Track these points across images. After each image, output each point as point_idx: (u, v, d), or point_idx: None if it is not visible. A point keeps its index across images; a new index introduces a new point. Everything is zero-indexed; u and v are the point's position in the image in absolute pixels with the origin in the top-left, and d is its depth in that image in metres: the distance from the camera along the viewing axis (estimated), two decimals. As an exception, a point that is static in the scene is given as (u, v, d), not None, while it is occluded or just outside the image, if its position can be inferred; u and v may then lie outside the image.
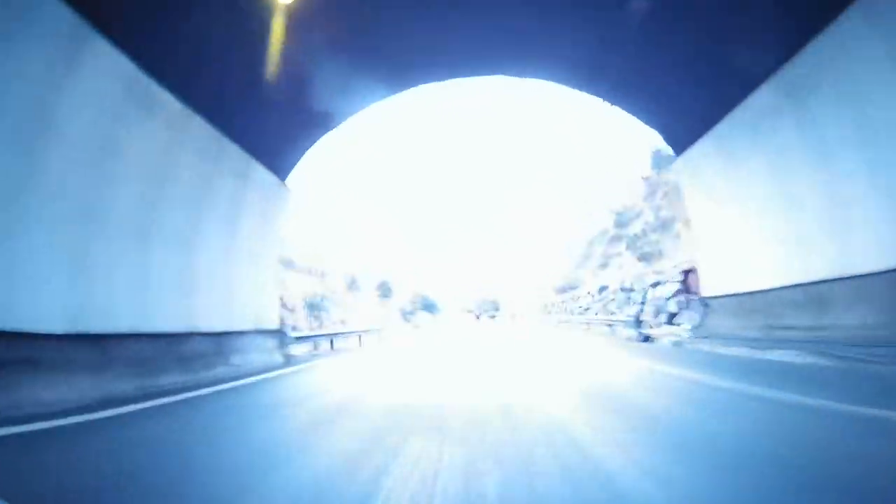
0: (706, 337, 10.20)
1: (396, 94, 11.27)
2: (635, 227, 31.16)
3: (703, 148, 10.44)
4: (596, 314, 25.24)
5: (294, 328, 18.82)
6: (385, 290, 40.65)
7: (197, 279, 8.17)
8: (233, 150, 9.01)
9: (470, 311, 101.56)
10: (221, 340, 8.49)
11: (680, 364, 7.01)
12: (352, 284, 33.57)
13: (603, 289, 25.50)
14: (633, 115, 11.69)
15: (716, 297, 10.40)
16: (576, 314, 29.10)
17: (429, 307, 47.76)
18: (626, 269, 27.52)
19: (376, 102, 11.38)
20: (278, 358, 9.64)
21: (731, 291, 9.99)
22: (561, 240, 46.16)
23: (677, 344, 10.20)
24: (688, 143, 10.89)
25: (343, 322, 24.91)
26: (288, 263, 26.29)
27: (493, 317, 48.66)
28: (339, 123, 11.31)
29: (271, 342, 9.60)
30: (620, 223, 34.78)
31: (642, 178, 34.99)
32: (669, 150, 33.41)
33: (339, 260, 35.14)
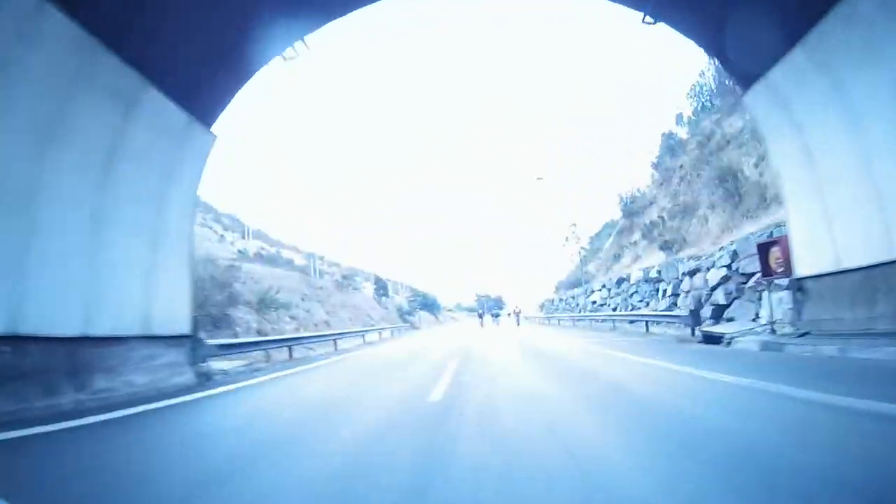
0: (808, 334, 7.04)
1: (359, 10, 8.16)
2: (650, 215, 28.18)
3: (791, 66, 7.26)
4: (615, 310, 22.06)
5: (263, 332, 15.70)
6: (381, 288, 37.52)
7: (27, 255, 5.03)
8: (111, 64, 5.87)
9: (472, 311, 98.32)
10: (77, 351, 5.36)
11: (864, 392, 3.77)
12: (343, 281, 30.44)
13: (622, 281, 22.29)
14: (684, 32, 8.52)
15: (817, 277, 7.25)
16: (588, 311, 25.92)
17: (428, 306, 44.56)
18: (646, 259, 24.42)
19: (331, 22, 8.26)
20: (186, 377, 6.48)
21: (844, 266, 6.85)
22: (565, 232, 43.45)
23: (772, 347, 6.97)
24: (765, 64, 7.72)
25: (327, 324, 21.76)
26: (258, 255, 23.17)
27: (496, 315, 44.94)
28: (283, 48, 8.18)
29: (174, 354, 6.43)
30: (631, 212, 31.82)
31: (652, 163, 31.99)
32: (682, 133, 29.74)
33: (330, 253, 32.14)
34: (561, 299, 36.92)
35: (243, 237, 60.18)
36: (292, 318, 19.64)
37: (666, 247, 21.90)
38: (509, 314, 43.17)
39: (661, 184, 27.72)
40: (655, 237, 24.37)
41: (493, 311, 44.98)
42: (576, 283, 35.41)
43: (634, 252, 27.28)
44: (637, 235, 28.34)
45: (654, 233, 25.13)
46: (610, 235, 37.05)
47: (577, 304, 28.76)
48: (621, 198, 31.19)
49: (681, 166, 23.48)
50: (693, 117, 27.09)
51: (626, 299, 20.98)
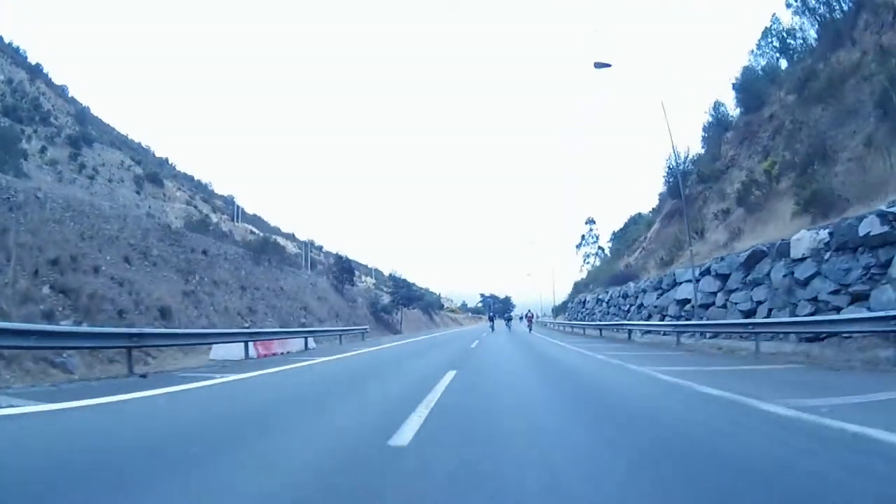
0: None
1: None
2: (732, 180, 18.55)
3: None
4: (750, 314, 10.84)
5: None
6: (343, 271, 26.51)
7: None
8: None
9: (477, 313, 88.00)
10: None
11: None
12: (262, 248, 19.53)
13: (758, 259, 11.10)
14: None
15: None
16: (671, 314, 14.72)
17: (415, 300, 33.38)
18: (757, 230, 14.16)
19: None
20: None
21: None
22: (580, 230, 34.66)
23: None
24: None
25: (163, 313, 10.79)
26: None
27: (509, 319, 35.12)
28: None
29: None
30: (698, 181, 22.03)
31: (710, 122, 22.94)
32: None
33: (329, 244, 21.49)
34: (599, 299, 25.71)
35: (233, 219, 51.75)
36: (64, 292, 8.73)
37: (810, 204, 11.46)
38: (521, 318, 38.05)
39: (742, 141, 19.57)
40: (761, 201, 15.18)
41: (506, 315, 38.54)
42: (623, 278, 24.35)
43: (729, 225, 17.15)
44: (722, 204, 18.23)
45: (757, 195, 15.63)
46: (650, 225, 27.55)
47: (642, 305, 17.47)
48: (668, 169, 23.34)
49: (771, 116, 17.99)
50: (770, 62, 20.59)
51: (788, 291, 9.75)
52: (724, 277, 12.37)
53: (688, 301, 13.64)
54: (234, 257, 16.45)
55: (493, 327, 29.41)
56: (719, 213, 18.61)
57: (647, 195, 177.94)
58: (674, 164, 22.22)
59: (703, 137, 22.85)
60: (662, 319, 14.69)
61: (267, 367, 7.17)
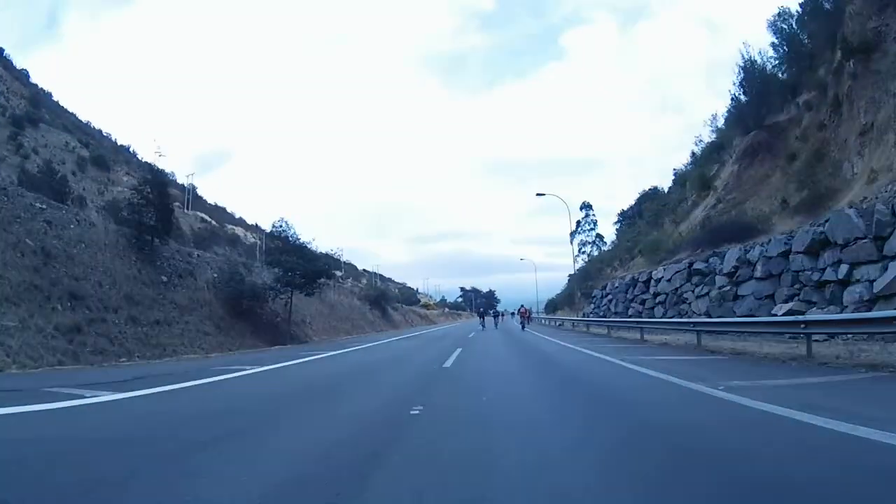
0: None
1: None
2: None
3: None
4: None
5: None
6: (155, 208, 13.07)
7: None
8: None
9: (456, 309, 77.39)
10: None
11: None
12: None
13: None
14: None
15: None
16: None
17: (322, 273, 18.65)
18: None
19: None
20: None
21: None
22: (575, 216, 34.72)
23: None
24: None
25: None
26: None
27: (496, 315, 33.87)
28: None
29: None
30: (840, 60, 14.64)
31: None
32: None
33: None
34: (698, 270, 12.91)
35: (182, 206, 50.04)
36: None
37: None
38: (512, 314, 38.18)
39: (885, 7, 13.99)
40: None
41: (493, 311, 40.85)
42: (736, 229, 11.91)
43: None
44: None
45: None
46: (704, 179, 22.24)
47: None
48: (744, 77, 19.30)
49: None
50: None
51: None
52: None
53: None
54: None
55: (483, 324, 29.07)
56: None
57: (648, 173, 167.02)
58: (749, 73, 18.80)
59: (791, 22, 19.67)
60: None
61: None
